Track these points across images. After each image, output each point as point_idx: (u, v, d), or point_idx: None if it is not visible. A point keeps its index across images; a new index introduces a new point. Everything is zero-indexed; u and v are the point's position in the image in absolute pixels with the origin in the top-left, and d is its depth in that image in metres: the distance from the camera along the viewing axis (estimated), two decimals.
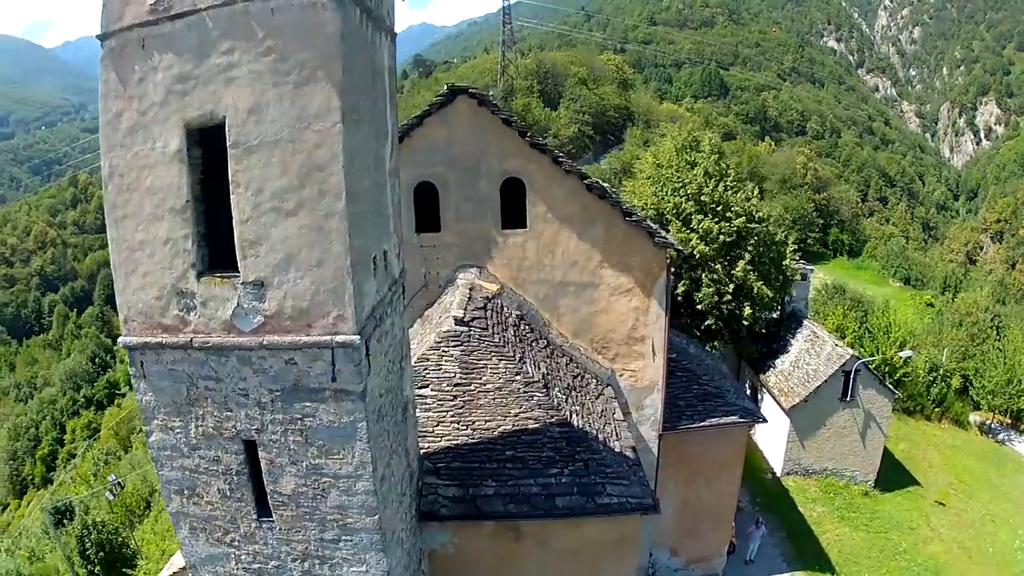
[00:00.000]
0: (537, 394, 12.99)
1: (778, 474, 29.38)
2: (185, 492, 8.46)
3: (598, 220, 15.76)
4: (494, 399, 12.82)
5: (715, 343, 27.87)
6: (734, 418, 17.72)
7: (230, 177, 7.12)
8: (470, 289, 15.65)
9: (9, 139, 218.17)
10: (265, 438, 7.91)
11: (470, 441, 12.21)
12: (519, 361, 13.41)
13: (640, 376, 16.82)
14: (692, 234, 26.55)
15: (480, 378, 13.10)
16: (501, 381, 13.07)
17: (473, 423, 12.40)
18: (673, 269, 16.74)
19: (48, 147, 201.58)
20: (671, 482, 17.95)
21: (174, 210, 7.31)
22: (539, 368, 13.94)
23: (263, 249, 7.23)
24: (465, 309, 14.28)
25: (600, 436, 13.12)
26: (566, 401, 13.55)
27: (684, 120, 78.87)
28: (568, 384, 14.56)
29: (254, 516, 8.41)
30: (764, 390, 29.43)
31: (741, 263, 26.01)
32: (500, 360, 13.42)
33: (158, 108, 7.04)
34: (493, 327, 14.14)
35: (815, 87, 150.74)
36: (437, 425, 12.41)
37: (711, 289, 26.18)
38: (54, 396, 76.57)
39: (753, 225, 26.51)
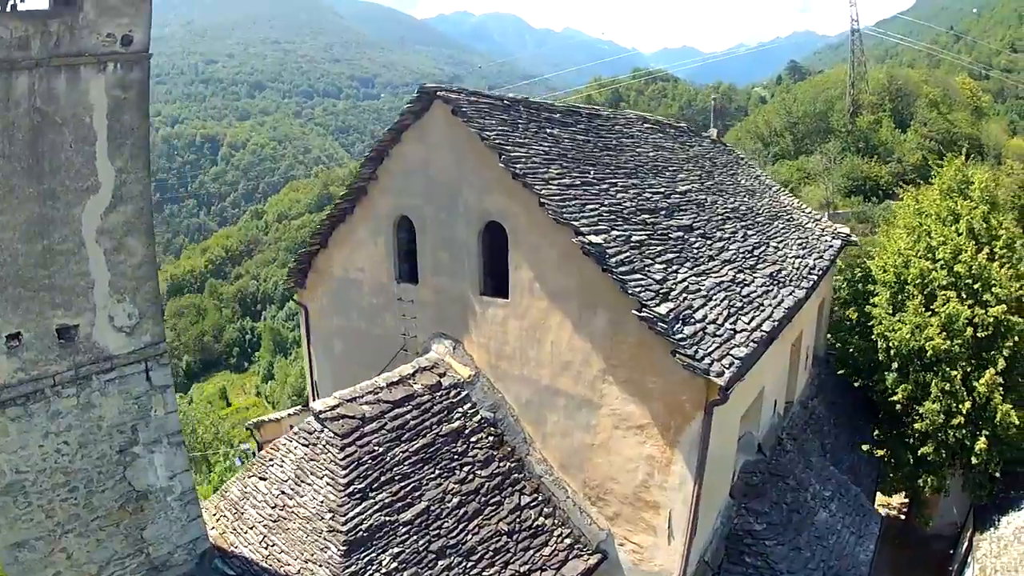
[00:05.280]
0: (332, 548, 8.10)
1: None
2: None
3: (602, 306, 8.79)
4: (298, 530, 8.55)
5: (933, 477, 16.88)
6: None
7: None
8: (416, 370, 10.38)
9: (375, 99, 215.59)
10: None
11: (259, 567, 8.52)
12: (347, 495, 8.42)
13: (647, 556, 9.18)
14: (932, 318, 16.16)
15: (302, 496, 8.76)
16: (313, 511, 8.53)
17: (273, 545, 8.63)
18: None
19: None
20: None
21: None
22: (400, 512, 8.67)
23: None
24: (349, 400, 9.37)
25: None
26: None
27: None
28: (451, 545, 8.60)
29: None
30: (973, 557, 17.57)
31: (988, 373, 14.79)
32: (327, 484, 8.60)
33: None
34: (373, 433, 9.11)
35: None
36: (252, 528, 8.96)
37: (936, 405, 15.61)
38: None
39: (1017, 319, 14.93)
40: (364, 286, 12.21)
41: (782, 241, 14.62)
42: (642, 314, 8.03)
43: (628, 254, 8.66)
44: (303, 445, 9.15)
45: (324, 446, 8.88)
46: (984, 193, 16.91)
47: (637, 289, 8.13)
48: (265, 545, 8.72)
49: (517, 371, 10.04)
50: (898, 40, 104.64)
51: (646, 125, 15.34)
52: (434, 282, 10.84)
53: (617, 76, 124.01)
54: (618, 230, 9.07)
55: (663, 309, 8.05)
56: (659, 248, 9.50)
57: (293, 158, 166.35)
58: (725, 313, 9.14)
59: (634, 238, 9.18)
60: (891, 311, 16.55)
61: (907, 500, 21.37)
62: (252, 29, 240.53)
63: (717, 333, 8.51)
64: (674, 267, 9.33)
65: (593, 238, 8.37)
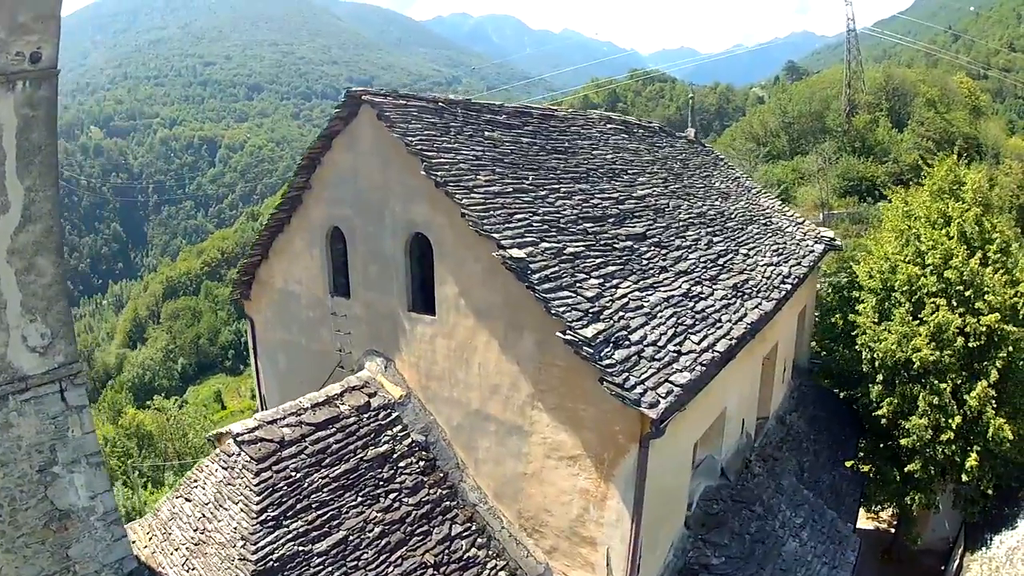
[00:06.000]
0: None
1: None
2: None
3: (529, 326, 7.97)
4: (215, 555, 8.12)
5: (921, 495, 15.96)
6: None
7: None
8: (344, 390, 9.62)
9: None
10: None
11: None
12: (259, 523, 7.90)
13: None
14: (920, 327, 15.24)
15: (219, 521, 8.28)
16: (227, 537, 8.03)
17: (193, 569, 8.24)
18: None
19: None
20: None
21: None
22: (315, 542, 8.09)
23: None
24: (269, 422, 8.70)
25: None
26: None
27: None
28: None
29: None
30: None
31: (981, 385, 13.87)
32: (241, 510, 8.08)
33: None
34: (291, 457, 8.54)
35: None
36: (177, 549, 8.59)
37: (924, 420, 14.69)
38: None
39: (1011, 328, 14.01)
40: (302, 299, 11.46)
41: (754, 248, 13.80)
42: (566, 337, 7.22)
43: (556, 269, 7.83)
44: (223, 468, 8.59)
45: (240, 470, 8.31)
46: (977, 195, 15.94)
47: (562, 308, 7.30)
48: (187, 568, 8.26)
49: (447, 393, 9.25)
50: (896, 40, 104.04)
51: (609, 126, 14.51)
52: (365, 296, 10.06)
53: (615, 77, 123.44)
54: (549, 241, 8.25)
55: (590, 331, 7.21)
56: (598, 260, 8.67)
57: (291, 160, 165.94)
58: (670, 333, 8.31)
59: (568, 250, 8.35)
60: (877, 319, 15.65)
61: (897, 513, 20.52)
62: (250, 31, 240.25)
63: (656, 356, 7.68)
64: (614, 281, 8.50)
65: (515, 251, 7.54)
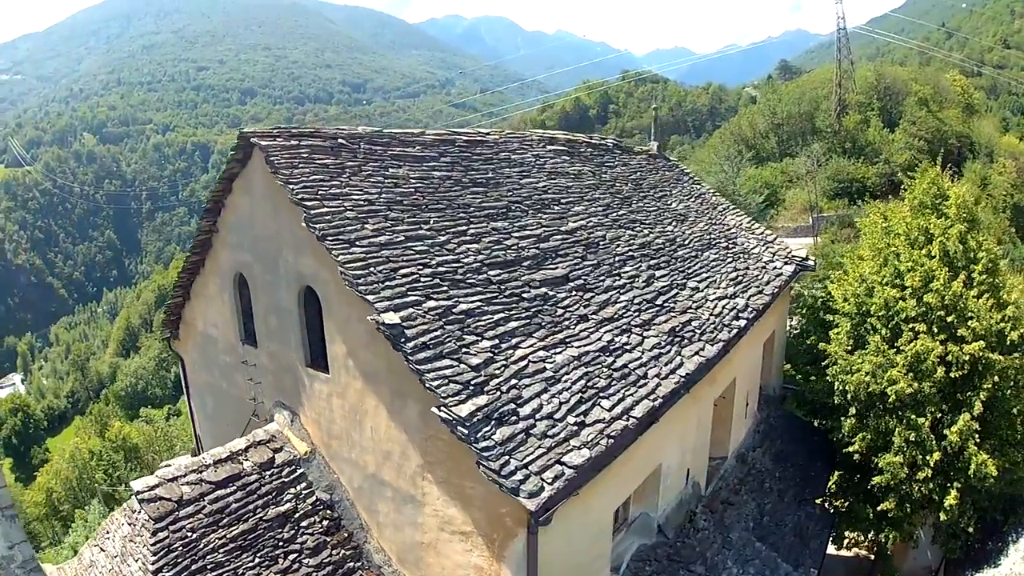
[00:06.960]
0: None
1: None
2: None
3: (412, 396, 7.24)
4: None
5: (896, 533, 15.13)
6: None
7: None
8: (249, 444, 9.12)
9: (364, 105, 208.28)
10: None
11: None
12: None
13: None
14: (897, 356, 14.29)
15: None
16: None
17: None
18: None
19: (407, 116, 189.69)
20: None
21: None
22: None
23: None
24: (170, 479, 8.40)
25: None
26: None
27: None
28: None
29: None
30: None
31: (963, 418, 12.86)
32: (139, 568, 8.03)
33: None
34: (189, 517, 8.27)
35: None
36: None
37: (899, 457, 13.81)
38: None
39: (996, 357, 12.88)
40: (219, 344, 10.92)
41: (707, 278, 13.01)
42: (440, 414, 6.51)
43: (439, 333, 7.12)
44: (127, 523, 8.48)
45: (140, 528, 8.15)
46: (961, 210, 14.64)
47: (436, 382, 6.59)
48: None
49: (346, 453, 8.62)
50: (889, 38, 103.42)
51: (550, 147, 13.77)
52: (268, 347, 9.48)
53: (608, 78, 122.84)
54: (437, 299, 7.54)
55: (466, 408, 6.50)
56: (498, 316, 7.96)
57: None
58: (575, 399, 7.57)
59: (459, 307, 7.64)
60: (851, 347, 14.70)
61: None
62: (243, 35, 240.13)
63: (550, 432, 6.95)
64: (513, 340, 7.78)
65: (388, 316, 6.84)
